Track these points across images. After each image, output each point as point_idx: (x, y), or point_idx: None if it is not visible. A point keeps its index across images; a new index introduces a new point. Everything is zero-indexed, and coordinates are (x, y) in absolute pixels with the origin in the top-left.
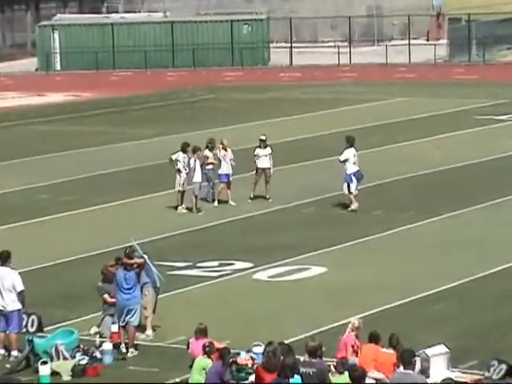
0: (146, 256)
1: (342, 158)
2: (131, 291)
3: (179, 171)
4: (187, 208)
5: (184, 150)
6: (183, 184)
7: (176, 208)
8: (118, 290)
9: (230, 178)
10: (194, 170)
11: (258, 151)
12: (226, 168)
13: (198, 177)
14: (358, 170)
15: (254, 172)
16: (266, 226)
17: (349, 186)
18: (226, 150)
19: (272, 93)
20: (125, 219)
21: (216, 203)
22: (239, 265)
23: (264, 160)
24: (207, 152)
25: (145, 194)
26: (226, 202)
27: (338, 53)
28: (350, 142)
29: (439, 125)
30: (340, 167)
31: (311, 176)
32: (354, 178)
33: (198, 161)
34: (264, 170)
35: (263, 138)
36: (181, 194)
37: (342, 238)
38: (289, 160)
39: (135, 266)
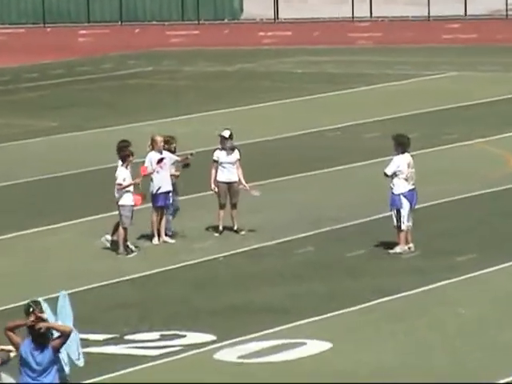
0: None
1: (389, 170)
2: (43, 377)
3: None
4: (111, 244)
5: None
6: None
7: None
8: (23, 371)
9: (171, 200)
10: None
11: (220, 155)
12: (165, 183)
13: (127, 198)
14: (412, 189)
15: (214, 190)
16: (235, 275)
17: (398, 214)
18: (161, 153)
19: (246, 63)
20: (16, 262)
21: (156, 240)
22: (193, 337)
23: (229, 169)
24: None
25: (49, 223)
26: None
27: (352, 0)
28: (404, 146)
29: None
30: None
31: (309, 196)
32: (405, 201)
33: (128, 171)
34: (230, 185)
35: (227, 134)
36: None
37: (355, 297)
38: (273, 171)
39: (59, 333)
